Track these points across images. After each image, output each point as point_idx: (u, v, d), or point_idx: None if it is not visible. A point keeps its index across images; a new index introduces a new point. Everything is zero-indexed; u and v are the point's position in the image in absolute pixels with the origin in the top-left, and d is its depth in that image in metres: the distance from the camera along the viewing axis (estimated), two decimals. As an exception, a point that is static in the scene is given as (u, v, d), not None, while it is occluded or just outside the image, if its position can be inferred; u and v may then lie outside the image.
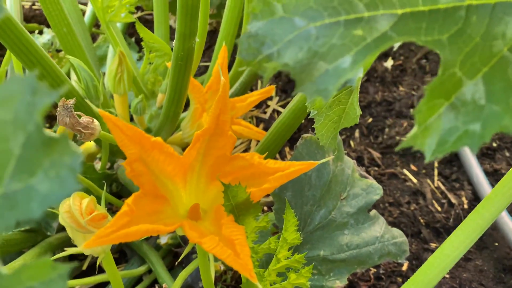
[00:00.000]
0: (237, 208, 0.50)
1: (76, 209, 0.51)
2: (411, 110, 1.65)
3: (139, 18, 1.96)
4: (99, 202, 0.61)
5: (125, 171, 0.51)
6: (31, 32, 1.77)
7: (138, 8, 2.08)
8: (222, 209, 0.52)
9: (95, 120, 0.69)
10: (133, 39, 1.79)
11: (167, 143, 1.08)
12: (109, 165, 1.10)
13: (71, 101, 0.62)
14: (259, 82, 1.76)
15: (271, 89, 1.05)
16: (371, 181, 0.93)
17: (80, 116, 0.64)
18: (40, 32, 1.87)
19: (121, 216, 0.46)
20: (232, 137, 0.58)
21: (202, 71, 1.83)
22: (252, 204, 0.51)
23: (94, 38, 1.97)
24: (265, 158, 0.61)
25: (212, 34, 1.89)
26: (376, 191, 0.92)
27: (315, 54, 0.37)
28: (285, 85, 1.76)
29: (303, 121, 1.60)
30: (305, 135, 0.83)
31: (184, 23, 0.60)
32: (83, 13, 1.82)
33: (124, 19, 0.93)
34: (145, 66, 1.02)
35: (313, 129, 0.79)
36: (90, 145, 1.03)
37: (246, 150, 1.41)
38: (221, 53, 1.01)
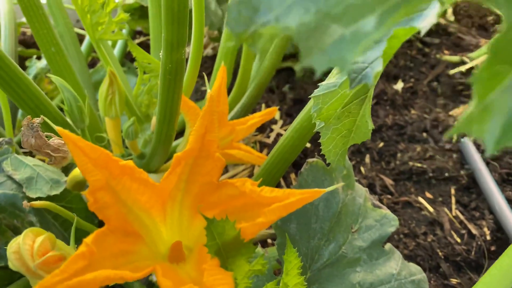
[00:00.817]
0: (225, 249, 0.40)
1: (26, 249, 0.42)
2: (424, 134, 1.56)
3: (140, 44, 1.92)
4: (84, 236, 0.53)
5: (87, 202, 0.42)
6: (30, 57, 1.73)
7: (139, 33, 2.05)
8: (205, 250, 0.42)
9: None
10: (134, 64, 1.75)
11: (160, 171, 1.01)
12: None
13: (37, 120, 0.54)
14: (263, 105, 1.69)
15: (273, 111, 0.98)
16: (385, 211, 0.83)
17: (50, 137, 0.56)
18: (39, 58, 1.83)
19: (75, 259, 0.36)
20: (220, 160, 0.49)
21: (204, 96, 1.76)
22: (243, 243, 0.40)
23: (95, 63, 1.93)
24: (267, 185, 0.51)
25: (214, 59, 1.84)
26: (391, 222, 0.83)
27: (326, 16, 0.28)
28: (290, 108, 1.68)
29: (309, 145, 1.52)
30: (310, 160, 0.75)
31: (170, 31, 0.52)
32: (83, 36, 1.78)
33: (115, 36, 0.86)
34: (139, 87, 0.95)
35: (322, 155, 0.71)
36: (77, 172, 0.96)
37: (249, 177, 1.32)
38: (219, 73, 0.94)
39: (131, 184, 0.44)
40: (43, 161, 0.60)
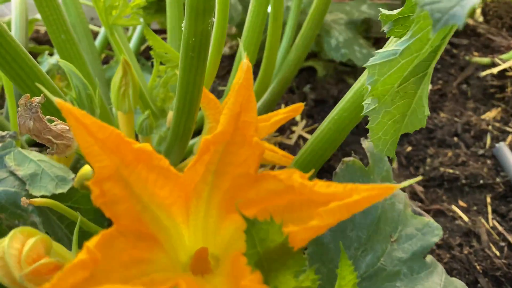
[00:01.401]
0: (267, 259, 0.30)
1: (13, 253, 0.33)
2: (455, 138, 1.46)
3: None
4: (87, 239, 0.44)
5: (91, 194, 0.33)
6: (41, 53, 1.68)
7: (155, 31, 1.99)
8: (243, 261, 0.31)
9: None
10: (149, 63, 1.68)
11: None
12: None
13: (37, 99, 0.47)
14: (282, 106, 1.60)
15: (299, 107, 0.89)
16: (428, 219, 0.74)
17: (52, 121, 0.48)
18: (51, 54, 1.78)
19: (73, 269, 0.26)
20: (259, 147, 0.38)
21: (221, 95, 1.69)
22: (291, 253, 0.31)
23: (108, 62, 1.87)
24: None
25: (232, 59, 1.77)
26: (434, 231, 0.74)
27: None
28: (311, 109, 1.60)
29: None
30: (346, 159, 0.66)
31: None
32: (97, 34, 1.73)
33: (130, 21, 0.79)
34: (154, 79, 0.88)
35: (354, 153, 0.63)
36: (87, 170, 0.88)
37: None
38: (242, 65, 0.86)
39: (148, 174, 0.34)
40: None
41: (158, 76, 0.87)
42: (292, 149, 1.37)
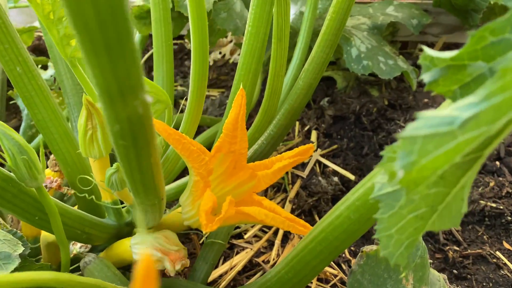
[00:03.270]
0: None
1: None
2: (497, 163, 1.26)
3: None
4: None
5: None
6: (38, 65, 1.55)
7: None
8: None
9: None
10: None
11: (161, 226, 0.77)
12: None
13: None
14: (297, 123, 1.42)
15: (309, 149, 0.72)
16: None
17: None
18: (45, 67, 1.65)
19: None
20: None
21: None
22: None
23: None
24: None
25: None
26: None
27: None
28: (330, 127, 1.42)
29: (352, 177, 1.24)
30: (366, 248, 0.49)
31: (98, 67, 0.28)
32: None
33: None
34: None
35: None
36: (46, 234, 0.74)
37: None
38: (237, 98, 0.69)
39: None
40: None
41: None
42: (306, 181, 1.19)
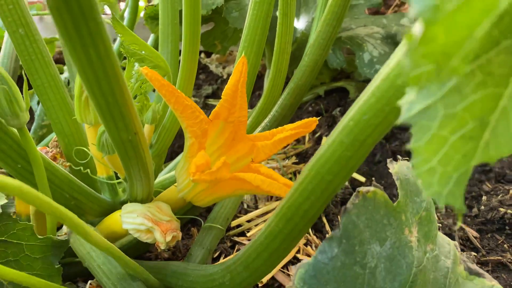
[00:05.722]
0: None
1: None
2: (518, 172, 1.19)
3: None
4: None
5: None
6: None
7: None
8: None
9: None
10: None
11: (156, 200, 0.73)
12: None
13: None
14: (307, 136, 1.39)
15: (312, 122, 0.69)
16: (491, 282, 0.51)
17: None
18: (61, 73, 1.69)
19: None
20: None
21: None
22: None
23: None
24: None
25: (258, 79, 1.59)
26: (502, 303, 0.50)
27: None
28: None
29: (363, 179, 1.19)
30: (363, 189, 0.44)
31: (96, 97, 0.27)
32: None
33: None
34: (126, 82, 0.70)
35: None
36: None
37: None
38: (238, 65, 0.67)
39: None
40: None
41: (132, 80, 0.70)
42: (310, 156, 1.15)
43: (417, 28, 0.25)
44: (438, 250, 0.49)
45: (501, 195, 1.12)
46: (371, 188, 0.44)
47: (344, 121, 0.43)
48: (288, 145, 1.31)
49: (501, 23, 0.25)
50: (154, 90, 0.88)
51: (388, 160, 0.48)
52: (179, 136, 1.37)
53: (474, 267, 0.51)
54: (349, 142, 0.42)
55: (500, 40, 0.27)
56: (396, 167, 0.47)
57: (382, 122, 0.42)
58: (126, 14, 1.42)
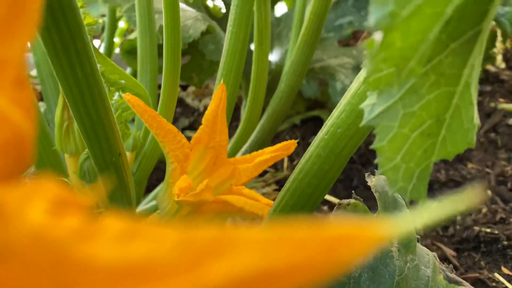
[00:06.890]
0: None
1: None
2: (489, 192, 1.24)
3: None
4: None
5: None
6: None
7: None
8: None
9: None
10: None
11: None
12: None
13: None
14: (286, 159, 1.42)
15: (291, 145, 0.71)
16: (469, 289, 0.52)
17: None
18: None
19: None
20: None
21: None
22: None
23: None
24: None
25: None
26: (481, 309, 0.51)
27: None
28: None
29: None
30: (344, 201, 0.46)
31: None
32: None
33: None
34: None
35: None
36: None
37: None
38: (217, 91, 0.69)
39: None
40: None
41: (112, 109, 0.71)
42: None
43: (377, 36, 0.27)
44: (418, 260, 0.50)
45: (474, 214, 1.16)
46: (352, 201, 0.46)
47: (320, 135, 0.46)
48: (266, 172, 1.33)
49: (447, 27, 0.29)
50: (133, 120, 0.89)
51: (366, 174, 0.50)
52: (157, 169, 1.37)
53: (453, 275, 0.53)
54: (325, 155, 0.44)
55: (448, 43, 0.30)
56: (374, 181, 0.49)
57: (355, 135, 0.44)
58: (101, 50, 1.44)
